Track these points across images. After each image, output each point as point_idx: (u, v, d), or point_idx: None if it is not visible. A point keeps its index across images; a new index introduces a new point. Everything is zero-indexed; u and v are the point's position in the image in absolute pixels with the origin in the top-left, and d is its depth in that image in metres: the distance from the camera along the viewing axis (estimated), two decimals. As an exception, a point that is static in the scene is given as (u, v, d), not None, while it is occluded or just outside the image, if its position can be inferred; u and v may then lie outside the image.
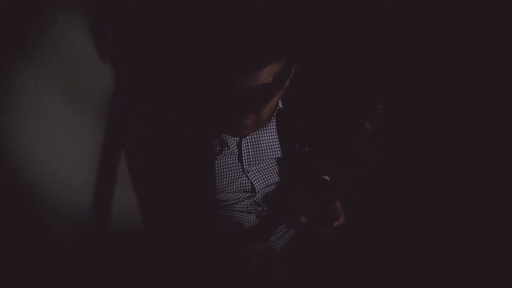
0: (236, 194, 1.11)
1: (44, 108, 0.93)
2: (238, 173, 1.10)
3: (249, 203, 1.13)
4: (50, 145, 0.91)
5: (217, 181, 1.08)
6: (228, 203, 1.11)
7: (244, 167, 1.10)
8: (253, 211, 1.13)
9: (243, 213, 1.13)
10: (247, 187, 1.11)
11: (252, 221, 1.13)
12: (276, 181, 1.13)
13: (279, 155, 1.12)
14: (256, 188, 1.11)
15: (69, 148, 0.96)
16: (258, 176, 1.12)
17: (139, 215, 1.15)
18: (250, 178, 1.11)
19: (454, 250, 1.10)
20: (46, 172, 0.90)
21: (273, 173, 1.13)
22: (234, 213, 1.12)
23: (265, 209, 1.13)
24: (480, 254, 1.08)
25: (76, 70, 1.00)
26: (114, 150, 1.09)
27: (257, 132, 1.11)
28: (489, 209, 1.12)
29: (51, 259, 0.91)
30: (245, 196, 1.12)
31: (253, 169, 1.12)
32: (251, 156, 1.11)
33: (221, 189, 1.09)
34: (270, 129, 1.12)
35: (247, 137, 1.11)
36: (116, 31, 1.10)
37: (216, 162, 1.09)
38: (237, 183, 1.10)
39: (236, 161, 1.10)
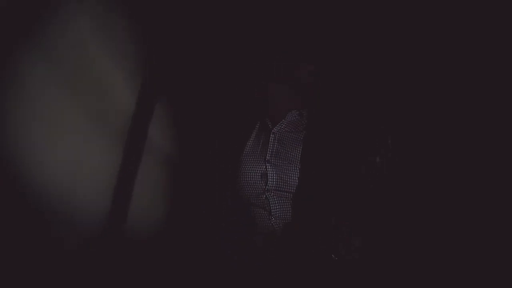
0: (254, 181, 1.25)
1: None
2: (260, 161, 1.27)
3: (263, 199, 1.23)
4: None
5: (242, 163, 1.27)
6: (246, 194, 1.26)
7: (267, 157, 1.26)
8: (266, 208, 1.23)
9: (257, 208, 1.25)
10: (263, 176, 1.24)
11: (264, 218, 1.23)
12: (289, 185, 1.22)
13: (296, 162, 1.23)
14: (269, 179, 1.23)
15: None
16: (274, 169, 1.24)
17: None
18: (267, 168, 1.24)
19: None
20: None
21: (287, 175, 1.23)
22: (250, 207, 1.26)
23: (272, 211, 1.22)
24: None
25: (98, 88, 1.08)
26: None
27: (286, 133, 1.30)
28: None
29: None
30: (260, 188, 1.24)
31: (273, 161, 1.25)
32: (275, 149, 1.27)
33: (244, 173, 1.26)
34: (298, 137, 1.28)
35: (277, 133, 1.30)
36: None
37: (248, 144, 1.30)
38: (257, 170, 1.26)
39: (264, 150, 1.28)
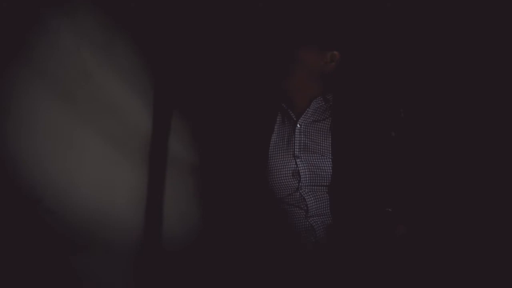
0: (285, 180, 1.20)
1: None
2: (289, 157, 1.21)
3: (297, 196, 1.19)
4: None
5: (269, 161, 1.21)
6: (279, 195, 1.20)
7: (295, 152, 1.20)
8: (302, 206, 1.19)
9: (292, 207, 1.20)
10: (295, 173, 1.19)
11: (300, 217, 1.19)
12: (323, 178, 1.19)
13: (328, 154, 1.20)
14: (301, 176, 1.18)
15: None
16: (305, 165, 1.19)
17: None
18: (298, 164, 1.19)
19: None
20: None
21: (320, 169, 1.19)
22: (284, 206, 1.20)
23: (309, 208, 1.18)
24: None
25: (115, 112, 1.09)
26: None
27: (312, 124, 1.24)
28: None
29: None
30: (293, 186, 1.19)
31: (302, 156, 1.20)
32: (302, 143, 1.21)
33: (273, 172, 1.20)
34: (324, 125, 1.23)
35: (302, 125, 1.23)
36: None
37: (272, 140, 1.23)
38: (286, 167, 1.20)
39: (289, 144, 1.22)
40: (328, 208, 1.18)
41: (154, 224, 1.14)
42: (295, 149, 1.20)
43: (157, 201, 1.16)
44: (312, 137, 1.21)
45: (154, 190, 1.15)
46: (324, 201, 1.18)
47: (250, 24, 1.30)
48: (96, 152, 1.08)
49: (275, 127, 1.24)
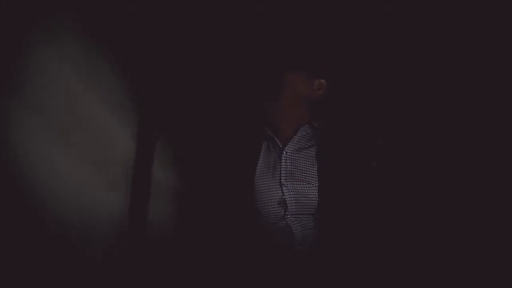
0: (271, 208, 1.19)
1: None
2: (274, 185, 1.20)
3: (283, 225, 1.19)
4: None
5: (255, 189, 1.21)
6: (264, 223, 1.20)
7: (281, 180, 1.20)
8: (288, 233, 1.18)
9: (277, 234, 1.19)
10: (281, 202, 1.19)
11: (286, 245, 1.18)
12: (309, 207, 1.18)
13: (314, 182, 1.19)
14: (288, 205, 1.18)
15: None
16: (291, 193, 1.19)
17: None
18: (284, 192, 1.19)
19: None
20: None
21: (307, 197, 1.18)
22: (270, 234, 1.20)
23: (295, 236, 1.18)
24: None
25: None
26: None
27: (298, 151, 1.22)
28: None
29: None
30: (279, 214, 1.19)
31: (289, 185, 1.19)
32: (288, 170, 1.20)
33: (258, 200, 1.20)
34: (310, 153, 1.22)
35: (288, 152, 1.22)
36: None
37: (258, 167, 1.22)
38: (272, 196, 1.20)
39: (275, 172, 1.21)
40: (314, 236, 1.17)
41: (137, 250, 1.14)
42: (281, 177, 1.20)
43: (140, 227, 1.15)
44: (298, 165, 1.20)
45: (137, 217, 1.14)
46: (310, 229, 1.17)
47: (238, 48, 1.30)
48: (79, 177, 1.07)
49: (261, 154, 1.24)
